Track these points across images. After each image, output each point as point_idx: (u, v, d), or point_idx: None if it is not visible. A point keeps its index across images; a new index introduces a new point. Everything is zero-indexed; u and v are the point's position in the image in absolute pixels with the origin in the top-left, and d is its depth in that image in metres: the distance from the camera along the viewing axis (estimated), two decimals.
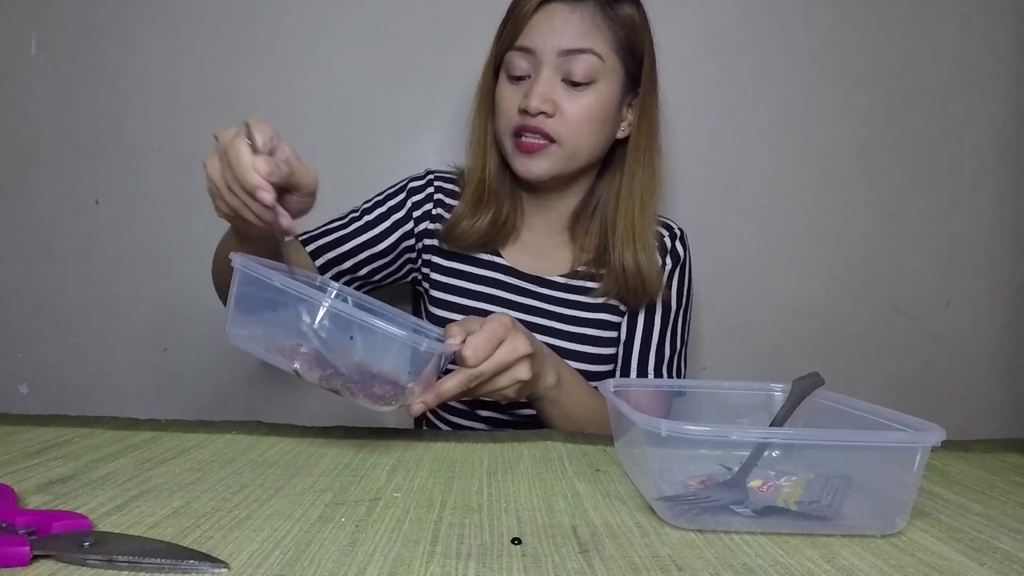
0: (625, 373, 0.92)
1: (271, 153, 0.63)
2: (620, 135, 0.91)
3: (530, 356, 0.68)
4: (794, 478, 0.51)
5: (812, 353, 1.26)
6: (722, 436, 0.48)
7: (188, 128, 1.22)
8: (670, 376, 0.92)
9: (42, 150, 1.23)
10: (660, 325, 0.92)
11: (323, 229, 0.95)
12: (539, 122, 0.83)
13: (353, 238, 0.94)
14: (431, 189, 0.97)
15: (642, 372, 0.91)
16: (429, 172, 1.00)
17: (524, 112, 0.83)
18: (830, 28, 1.23)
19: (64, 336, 1.25)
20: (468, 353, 0.64)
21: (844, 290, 1.26)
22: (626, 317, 0.93)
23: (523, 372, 0.67)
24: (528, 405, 0.91)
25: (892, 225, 1.26)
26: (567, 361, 0.84)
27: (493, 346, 0.65)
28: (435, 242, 0.96)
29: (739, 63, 1.23)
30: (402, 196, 0.97)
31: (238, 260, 0.60)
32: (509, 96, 0.85)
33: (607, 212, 0.91)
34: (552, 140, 0.84)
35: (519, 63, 0.84)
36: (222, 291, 0.87)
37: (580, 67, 0.82)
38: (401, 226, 0.95)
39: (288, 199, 0.65)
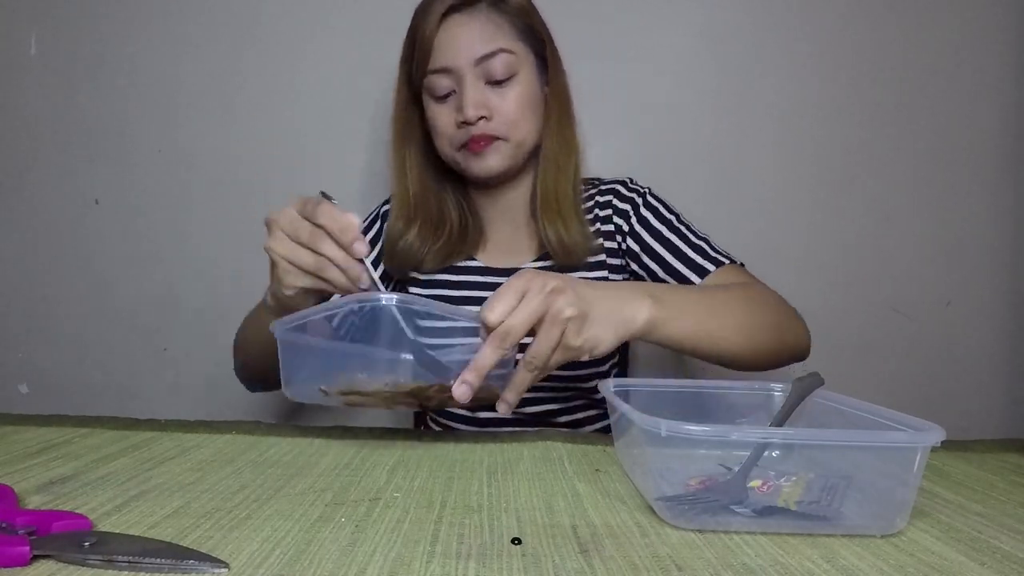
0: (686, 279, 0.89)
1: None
2: None
3: (563, 291, 0.61)
4: (794, 478, 0.51)
5: (812, 353, 1.26)
6: (722, 436, 0.48)
7: (188, 128, 1.22)
8: (724, 257, 0.88)
9: (42, 150, 1.23)
10: (677, 235, 0.90)
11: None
12: (481, 128, 0.85)
13: None
14: (389, 221, 0.98)
15: (697, 271, 0.88)
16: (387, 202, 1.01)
17: (464, 124, 0.85)
18: (829, 29, 1.23)
19: (64, 336, 1.25)
20: (486, 313, 0.59)
21: (844, 290, 1.26)
22: (644, 256, 0.91)
23: (565, 308, 0.60)
24: (534, 403, 0.91)
25: (892, 225, 1.26)
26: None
27: (514, 299, 0.59)
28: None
29: (738, 63, 1.23)
30: (377, 225, 1.00)
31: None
32: (443, 115, 0.88)
33: (534, 192, 0.92)
34: (497, 138, 0.86)
35: (441, 83, 0.86)
36: (250, 370, 0.88)
37: (498, 66, 0.84)
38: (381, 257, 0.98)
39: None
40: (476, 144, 0.86)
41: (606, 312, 0.64)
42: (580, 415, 0.94)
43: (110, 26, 1.21)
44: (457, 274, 0.95)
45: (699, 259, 0.89)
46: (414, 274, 0.96)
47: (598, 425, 0.95)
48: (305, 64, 1.22)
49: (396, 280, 0.99)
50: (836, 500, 0.48)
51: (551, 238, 0.89)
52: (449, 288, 0.94)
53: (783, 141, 1.25)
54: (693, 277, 0.88)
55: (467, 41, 0.84)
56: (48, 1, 1.20)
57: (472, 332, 0.62)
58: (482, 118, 0.85)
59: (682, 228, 0.92)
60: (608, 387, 0.61)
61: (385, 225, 0.98)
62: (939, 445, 0.45)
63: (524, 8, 0.88)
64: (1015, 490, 0.57)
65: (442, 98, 0.87)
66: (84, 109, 1.22)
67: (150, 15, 1.21)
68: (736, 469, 0.53)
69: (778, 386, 0.66)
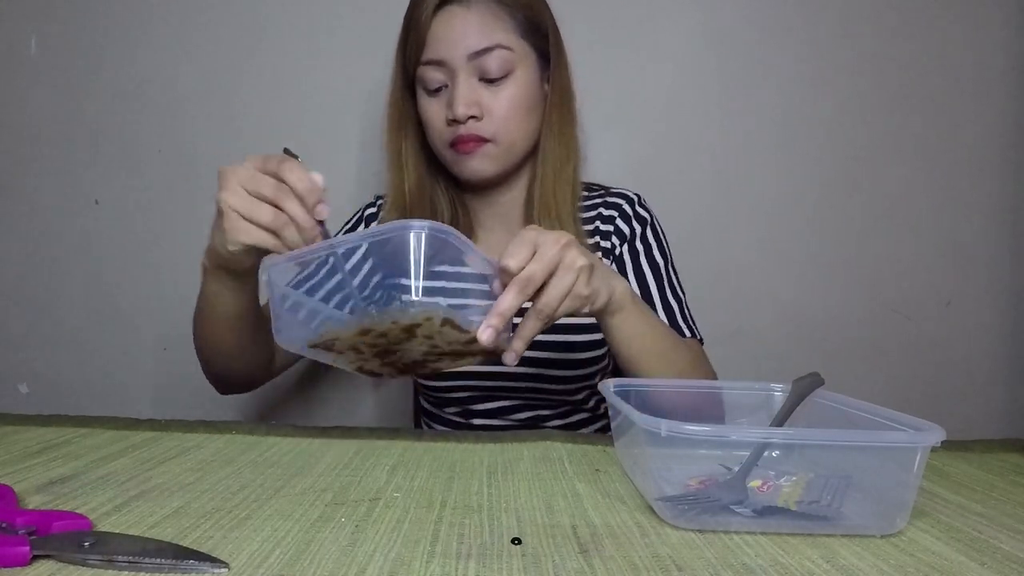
0: None
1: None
2: None
3: (573, 243, 0.62)
4: (794, 478, 0.51)
5: (812, 353, 1.26)
6: (722, 436, 0.48)
7: (188, 128, 1.22)
8: (688, 328, 0.88)
9: (42, 150, 1.23)
10: (656, 284, 0.90)
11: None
12: (470, 128, 0.82)
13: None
14: (380, 204, 0.97)
15: None
16: (379, 197, 0.99)
17: (454, 122, 0.82)
18: (829, 29, 1.23)
19: (64, 336, 1.25)
20: (507, 261, 0.59)
21: (844, 290, 1.26)
22: (629, 273, 0.91)
23: (578, 258, 0.61)
24: (525, 408, 0.91)
25: (892, 225, 1.26)
26: (549, 354, 0.84)
27: (530, 249, 0.60)
28: None
29: (739, 64, 1.23)
30: (361, 229, 0.97)
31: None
32: (434, 110, 0.85)
33: (532, 195, 0.90)
34: (486, 140, 0.83)
35: (433, 76, 0.83)
36: (208, 354, 0.80)
37: (493, 64, 0.81)
38: None
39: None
40: (464, 145, 0.83)
41: (604, 271, 0.67)
42: (573, 418, 0.94)
43: (110, 26, 1.21)
44: (447, 280, 0.93)
45: (664, 317, 0.88)
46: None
47: (586, 429, 0.95)
48: (305, 64, 1.22)
49: None
50: (836, 500, 0.48)
51: None
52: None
53: (783, 142, 1.25)
54: None
55: (462, 34, 0.80)
56: (48, 1, 1.20)
57: (479, 286, 0.60)
58: (472, 117, 0.82)
59: (664, 279, 0.90)
60: (608, 387, 0.61)
61: (378, 221, 0.95)
62: (939, 445, 0.45)
63: (527, 1, 0.84)
64: (1015, 490, 0.57)
65: (434, 91, 0.84)
66: (84, 109, 1.22)
67: (150, 15, 1.21)
68: (736, 469, 0.53)
69: (778, 386, 0.66)
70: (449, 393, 0.90)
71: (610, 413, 0.64)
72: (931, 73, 1.24)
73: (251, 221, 0.60)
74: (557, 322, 0.87)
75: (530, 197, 0.91)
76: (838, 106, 1.24)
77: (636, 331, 0.71)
